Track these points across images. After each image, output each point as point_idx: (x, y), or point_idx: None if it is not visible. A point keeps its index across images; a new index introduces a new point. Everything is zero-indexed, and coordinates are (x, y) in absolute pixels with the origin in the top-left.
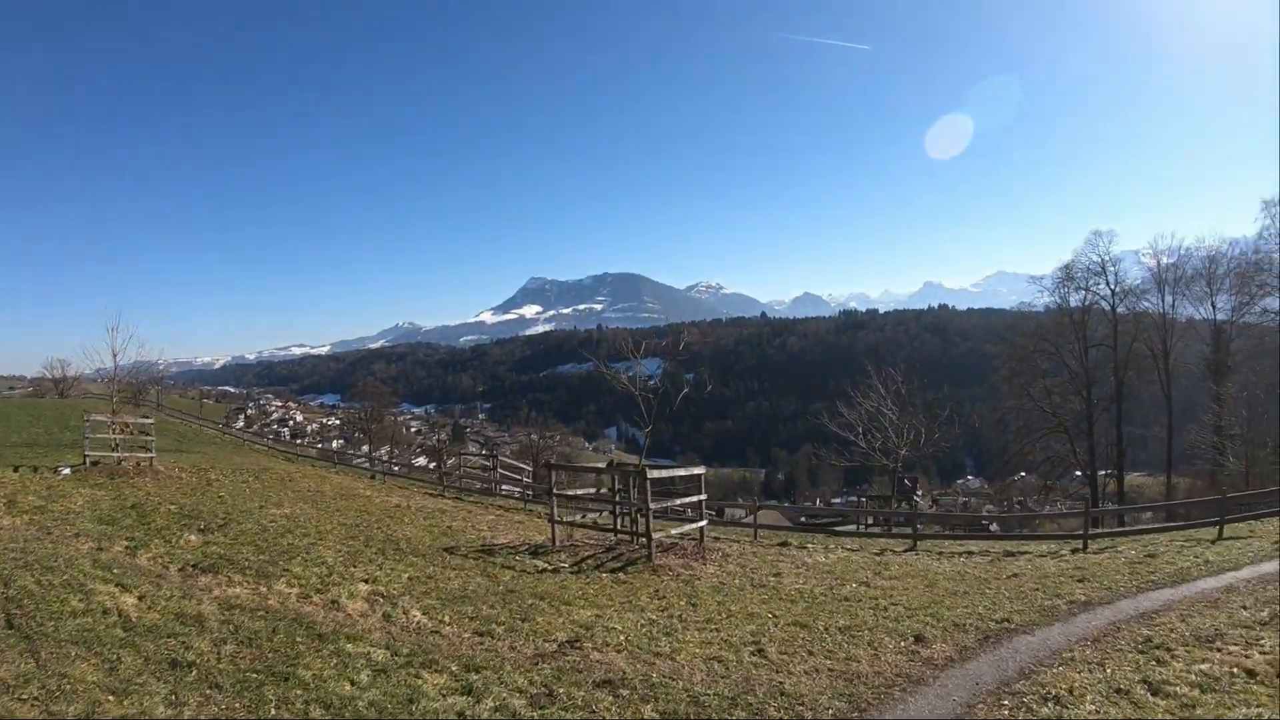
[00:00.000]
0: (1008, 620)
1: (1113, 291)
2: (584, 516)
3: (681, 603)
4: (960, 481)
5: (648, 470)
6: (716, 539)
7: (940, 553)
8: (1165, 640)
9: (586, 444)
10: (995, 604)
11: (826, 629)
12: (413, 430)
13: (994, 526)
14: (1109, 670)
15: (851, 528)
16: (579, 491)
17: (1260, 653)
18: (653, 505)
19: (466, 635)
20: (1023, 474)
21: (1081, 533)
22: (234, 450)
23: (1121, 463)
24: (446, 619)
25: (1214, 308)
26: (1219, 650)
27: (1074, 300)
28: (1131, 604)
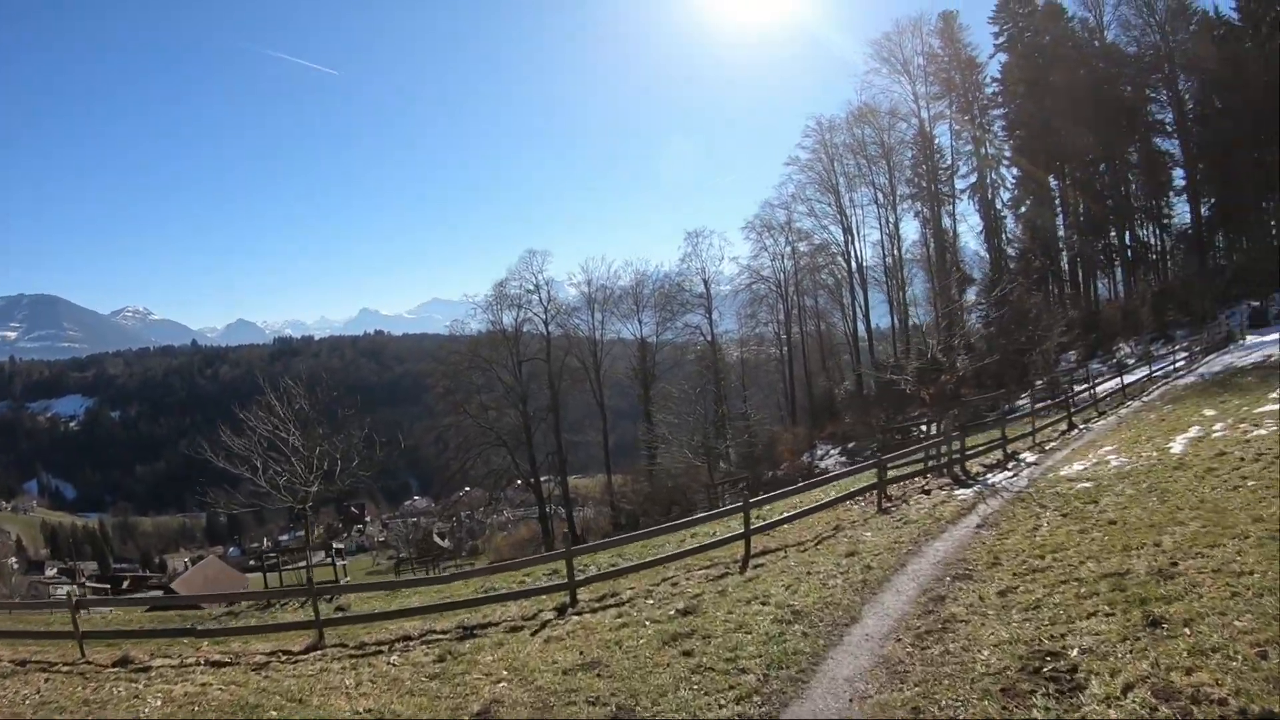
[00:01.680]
0: None
1: (546, 309)
2: None
3: None
4: (408, 503)
5: None
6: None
7: (361, 646)
8: None
9: (4, 503)
10: None
11: None
12: None
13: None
14: None
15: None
16: None
17: None
18: None
19: None
20: (468, 489)
21: (565, 581)
22: None
23: (564, 467)
24: None
25: (640, 324)
26: None
27: (507, 319)
28: None
